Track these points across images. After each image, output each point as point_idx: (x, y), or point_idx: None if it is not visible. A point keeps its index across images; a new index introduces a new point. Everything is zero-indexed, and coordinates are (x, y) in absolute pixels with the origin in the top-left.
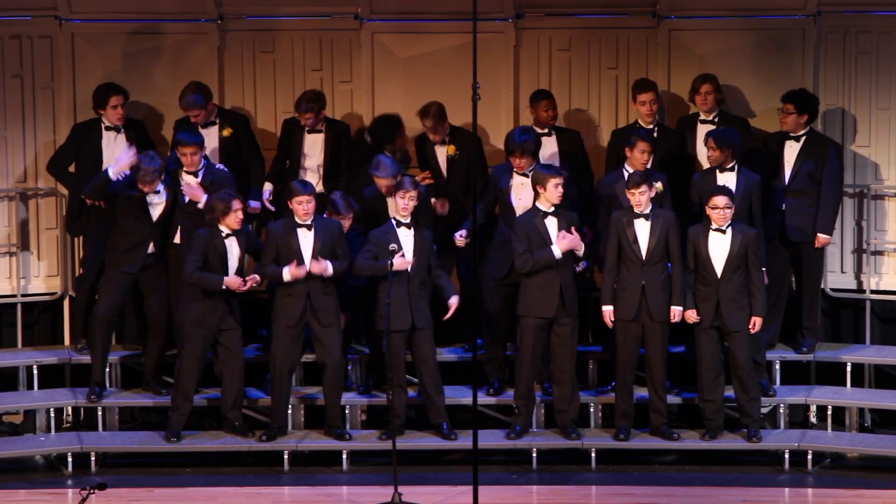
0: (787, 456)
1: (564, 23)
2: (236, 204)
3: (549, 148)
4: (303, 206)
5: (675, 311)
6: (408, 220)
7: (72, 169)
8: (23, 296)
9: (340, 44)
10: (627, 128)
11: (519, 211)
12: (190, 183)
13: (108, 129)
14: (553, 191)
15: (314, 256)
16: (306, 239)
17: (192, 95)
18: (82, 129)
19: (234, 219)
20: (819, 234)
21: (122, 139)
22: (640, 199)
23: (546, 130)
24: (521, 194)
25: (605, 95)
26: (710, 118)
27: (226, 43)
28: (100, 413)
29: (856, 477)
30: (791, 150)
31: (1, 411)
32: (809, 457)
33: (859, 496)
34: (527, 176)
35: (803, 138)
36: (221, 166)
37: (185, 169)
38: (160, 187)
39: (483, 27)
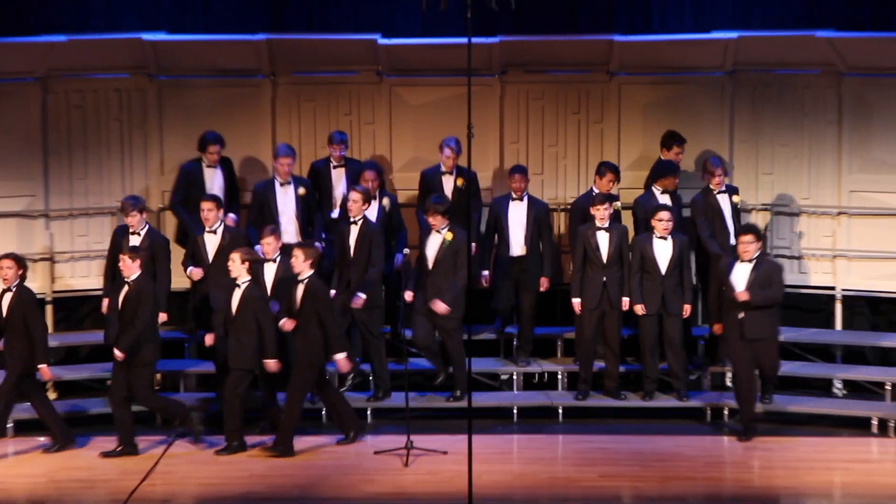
0: (708, 412)
1: (539, 78)
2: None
3: (519, 212)
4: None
5: (626, 301)
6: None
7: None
8: None
9: (365, 93)
10: (584, 196)
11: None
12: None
13: (207, 167)
14: None
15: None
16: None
17: (283, 146)
18: (188, 169)
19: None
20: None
21: (219, 175)
22: (604, 214)
23: (517, 196)
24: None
25: (569, 134)
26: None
27: (277, 94)
28: None
29: (759, 427)
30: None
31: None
32: (725, 412)
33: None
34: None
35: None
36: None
37: (206, 229)
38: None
39: (475, 81)
